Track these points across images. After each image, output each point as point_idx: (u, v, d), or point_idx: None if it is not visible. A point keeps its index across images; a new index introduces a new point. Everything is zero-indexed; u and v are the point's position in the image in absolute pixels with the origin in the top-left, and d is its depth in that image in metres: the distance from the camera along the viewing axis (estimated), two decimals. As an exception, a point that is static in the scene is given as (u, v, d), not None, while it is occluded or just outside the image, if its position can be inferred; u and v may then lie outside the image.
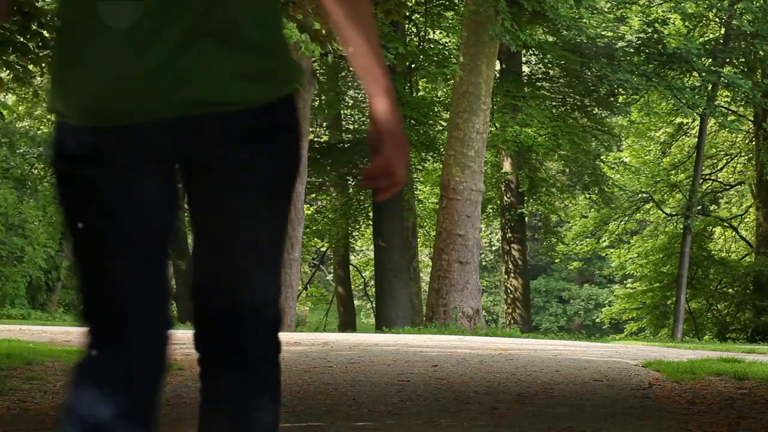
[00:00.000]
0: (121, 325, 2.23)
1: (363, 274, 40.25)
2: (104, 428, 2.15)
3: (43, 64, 9.25)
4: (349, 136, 32.36)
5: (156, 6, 2.14)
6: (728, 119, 28.20)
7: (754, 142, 31.86)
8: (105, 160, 2.17)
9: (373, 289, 28.67)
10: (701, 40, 28.53)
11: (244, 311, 2.27)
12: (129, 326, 2.23)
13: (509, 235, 31.38)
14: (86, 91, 2.15)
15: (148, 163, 2.20)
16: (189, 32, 2.15)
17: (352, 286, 37.11)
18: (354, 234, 32.82)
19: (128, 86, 2.13)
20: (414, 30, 31.10)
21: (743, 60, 28.43)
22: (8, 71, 9.49)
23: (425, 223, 34.90)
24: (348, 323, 32.75)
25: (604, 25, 28.77)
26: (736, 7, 27.06)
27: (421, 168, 33.91)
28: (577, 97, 28.77)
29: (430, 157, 32.33)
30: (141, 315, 2.22)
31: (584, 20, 26.48)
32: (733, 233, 34.16)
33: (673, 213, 32.31)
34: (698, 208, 30.45)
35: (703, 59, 27.39)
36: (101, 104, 2.15)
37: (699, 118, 28.77)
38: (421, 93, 31.97)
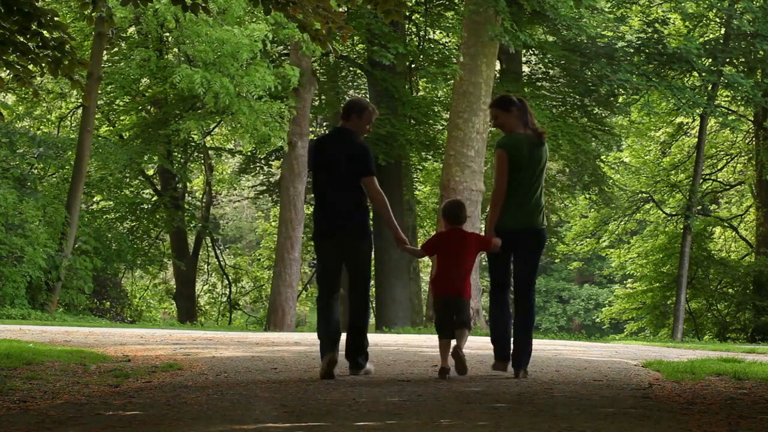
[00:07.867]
0: None
1: (363, 274, 40.16)
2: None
3: (43, 64, 9.23)
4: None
5: None
6: (728, 118, 28.20)
7: (754, 142, 31.86)
8: None
9: (373, 289, 28.63)
10: (701, 40, 28.52)
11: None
12: None
13: (509, 235, 31.33)
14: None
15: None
16: None
17: (352, 286, 37.04)
18: (354, 234, 32.74)
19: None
20: (414, 30, 31.10)
21: (743, 60, 28.42)
22: (8, 71, 9.48)
23: (425, 223, 34.90)
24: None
25: (604, 25, 28.77)
26: (736, 7, 27.06)
27: (420, 168, 33.89)
28: (577, 97, 28.75)
29: (430, 157, 32.31)
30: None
31: (584, 20, 26.47)
32: (733, 233, 34.15)
33: (673, 213, 32.30)
34: (698, 208, 30.44)
35: (703, 59, 27.38)
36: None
37: (699, 118, 28.76)
38: (421, 93, 31.96)
